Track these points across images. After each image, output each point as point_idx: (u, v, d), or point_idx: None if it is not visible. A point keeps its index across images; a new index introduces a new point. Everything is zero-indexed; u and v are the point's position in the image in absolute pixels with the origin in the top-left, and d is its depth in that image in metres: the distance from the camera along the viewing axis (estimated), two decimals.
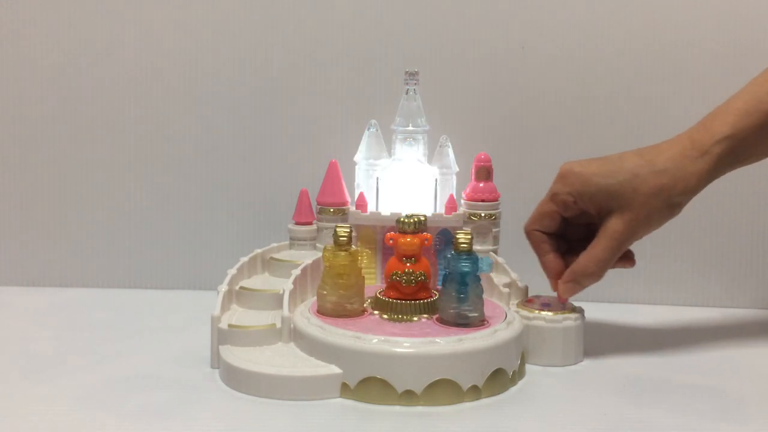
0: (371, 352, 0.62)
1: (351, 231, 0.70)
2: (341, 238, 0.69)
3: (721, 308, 0.93)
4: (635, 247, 0.71)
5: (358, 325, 0.66)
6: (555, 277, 0.73)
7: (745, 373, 0.70)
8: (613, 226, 0.69)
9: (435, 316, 0.68)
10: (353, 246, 0.70)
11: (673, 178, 0.69)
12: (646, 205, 0.69)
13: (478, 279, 0.68)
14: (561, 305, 0.73)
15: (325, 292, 0.69)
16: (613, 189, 0.69)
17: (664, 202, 0.69)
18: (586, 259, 0.70)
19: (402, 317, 0.68)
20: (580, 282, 0.71)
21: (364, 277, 0.71)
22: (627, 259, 0.73)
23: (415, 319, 0.68)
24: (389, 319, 0.68)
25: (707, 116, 0.71)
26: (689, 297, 0.93)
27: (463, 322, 0.66)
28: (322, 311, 0.69)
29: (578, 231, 0.73)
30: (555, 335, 0.71)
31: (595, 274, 0.70)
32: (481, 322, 0.67)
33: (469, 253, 0.68)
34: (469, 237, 0.68)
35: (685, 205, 0.70)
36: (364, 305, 0.70)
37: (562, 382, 0.67)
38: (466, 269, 0.67)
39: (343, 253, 0.69)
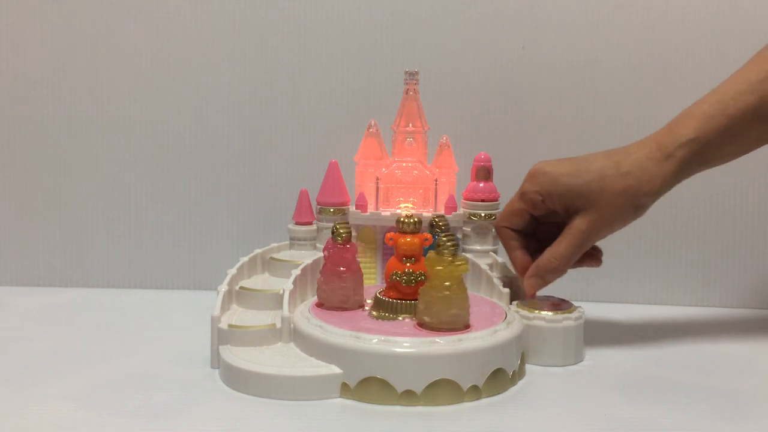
0: (371, 352, 0.62)
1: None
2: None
3: (721, 308, 0.93)
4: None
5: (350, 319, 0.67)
6: (522, 273, 0.74)
7: (745, 373, 0.70)
8: (578, 224, 0.70)
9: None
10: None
11: (638, 180, 0.69)
12: (611, 206, 0.69)
13: None
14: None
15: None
16: (580, 189, 0.70)
17: (629, 203, 0.70)
18: (549, 254, 0.71)
19: (388, 315, 0.68)
20: (544, 277, 0.72)
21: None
22: (594, 258, 0.74)
23: (400, 318, 0.68)
24: (377, 317, 0.68)
25: (674, 119, 0.72)
26: (689, 297, 0.93)
27: None
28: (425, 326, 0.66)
29: (548, 230, 0.74)
30: (555, 335, 0.71)
31: (558, 269, 0.71)
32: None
33: None
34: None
35: (649, 206, 0.71)
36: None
37: (562, 382, 0.67)
38: None
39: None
